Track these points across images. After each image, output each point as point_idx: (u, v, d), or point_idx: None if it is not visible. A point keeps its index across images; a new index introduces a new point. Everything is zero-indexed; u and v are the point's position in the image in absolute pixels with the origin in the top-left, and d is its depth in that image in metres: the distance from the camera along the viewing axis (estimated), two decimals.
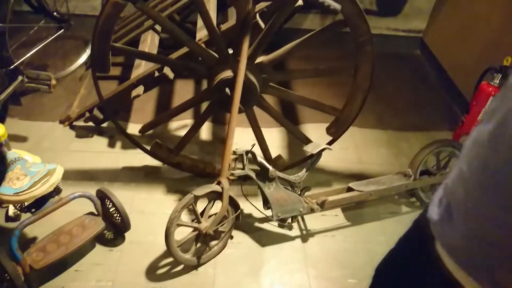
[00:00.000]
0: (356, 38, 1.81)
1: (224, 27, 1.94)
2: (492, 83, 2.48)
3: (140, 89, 2.17)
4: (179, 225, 1.76)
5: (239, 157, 1.86)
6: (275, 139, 2.61)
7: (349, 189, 2.13)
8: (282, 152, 2.54)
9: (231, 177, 1.86)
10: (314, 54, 3.27)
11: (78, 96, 2.63)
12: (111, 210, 1.90)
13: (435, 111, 3.04)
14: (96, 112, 2.36)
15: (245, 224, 2.09)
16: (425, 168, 2.23)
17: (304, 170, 2.00)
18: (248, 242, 2.02)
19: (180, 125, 2.62)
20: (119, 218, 1.89)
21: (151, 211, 2.11)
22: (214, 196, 1.83)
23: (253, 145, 1.84)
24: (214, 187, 1.81)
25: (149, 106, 2.76)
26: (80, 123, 2.52)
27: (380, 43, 3.61)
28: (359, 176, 2.41)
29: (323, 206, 1.99)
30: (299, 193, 2.02)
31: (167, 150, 2.20)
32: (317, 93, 2.97)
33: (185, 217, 2.06)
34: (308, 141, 2.21)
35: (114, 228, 1.96)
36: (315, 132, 2.60)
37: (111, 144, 2.45)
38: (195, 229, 1.81)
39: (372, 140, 2.72)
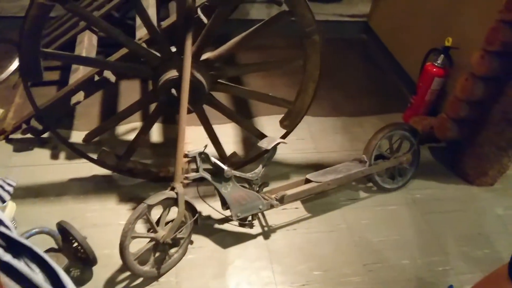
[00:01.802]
0: (303, 28, 1.77)
1: (165, 23, 1.84)
2: (436, 64, 2.54)
3: (80, 95, 2.03)
4: (134, 237, 1.67)
5: (192, 160, 1.79)
6: (230, 135, 2.55)
7: (307, 181, 2.12)
8: (239, 148, 2.49)
9: (185, 181, 1.78)
10: (270, 44, 3.24)
11: (13, 106, 2.42)
12: (74, 244, 1.72)
13: (386, 94, 3.09)
14: (34, 122, 2.19)
15: (205, 227, 2.02)
16: (379, 153, 2.25)
17: (261, 166, 1.96)
18: (210, 245, 1.96)
19: (129, 129, 2.50)
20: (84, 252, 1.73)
21: (104, 222, 1.99)
22: (169, 203, 1.75)
23: (206, 146, 1.77)
24: (168, 193, 1.73)
25: (93, 110, 2.61)
26: (18, 135, 2.33)
27: (327, 29, 3.66)
28: (317, 166, 2.40)
29: (282, 201, 1.96)
30: (257, 189, 1.98)
31: (116, 157, 2.09)
32: (270, 84, 2.94)
33: (141, 226, 1.96)
34: (262, 135, 2.17)
35: (81, 262, 1.76)
36: (271, 124, 2.56)
37: (55, 156, 2.28)
38: (152, 239, 1.73)
39: (328, 128, 2.72)
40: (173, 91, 1.77)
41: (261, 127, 2.62)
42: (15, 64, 2.70)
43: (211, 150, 2.14)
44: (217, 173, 1.83)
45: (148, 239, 1.73)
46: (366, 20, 3.65)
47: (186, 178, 1.79)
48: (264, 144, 1.96)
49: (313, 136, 2.64)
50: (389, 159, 2.26)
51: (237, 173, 1.90)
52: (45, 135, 2.36)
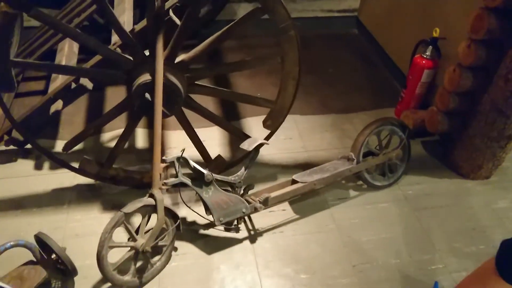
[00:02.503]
0: (277, 25, 1.72)
1: (138, 27, 1.80)
2: (425, 56, 2.47)
3: (59, 104, 2.00)
4: (111, 247, 1.63)
5: (171, 164, 1.75)
6: (216, 138, 2.51)
7: (294, 182, 2.06)
8: (225, 150, 2.44)
9: (164, 187, 1.75)
10: (256, 43, 3.20)
11: None
12: (53, 256, 1.68)
13: (377, 89, 3.03)
14: (15, 133, 2.16)
15: (189, 232, 1.98)
16: (368, 149, 2.19)
17: (243, 168, 1.91)
18: (194, 252, 1.91)
19: (113, 136, 2.47)
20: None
21: (86, 232, 1.96)
22: (148, 210, 1.71)
23: (183, 149, 1.73)
24: (146, 200, 1.69)
25: (78, 118, 2.58)
26: (1, 147, 2.31)
27: (316, 26, 3.61)
28: (305, 165, 2.35)
29: (266, 203, 1.91)
30: (241, 193, 1.94)
31: (98, 165, 2.05)
32: (257, 84, 2.90)
33: (121, 235, 1.92)
34: (246, 137, 2.12)
35: (62, 274, 1.70)
36: (258, 125, 2.49)
37: (38, 166, 2.26)
38: (132, 248, 1.69)
39: (316, 125, 2.67)
40: (147, 95, 1.73)
41: (248, 128, 2.58)
42: None
43: (195, 154, 2.12)
44: (197, 177, 1.79)
45: (128, 248, 1.69)
46: (356, 14, 3.59)
47: (165, 184, 1.75)
48: (245, 145, 1.91)
49: (301, 135, 2.58)
50: (378, 156, 2.19)
51: (219, 177, 1.86)
52: (29, 145, 2.34)
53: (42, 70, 1.87)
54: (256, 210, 1.90)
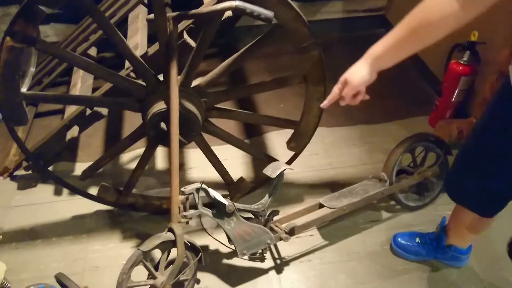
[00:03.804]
0: (298, 44, 1.58)
1: (151, 50, 1.70)
2: (462, 61, 2.28)
3: (74, 130, 1.93)
4: (130, 287, 1.55)
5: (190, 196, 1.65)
6: (239, 156, 2.38)
7: (321, 205, 1.93)
8: (248, 170, 2.33)
9: (183, 220, 1.65)
10: (277, 50, 3.04)
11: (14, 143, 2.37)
12: None
13: (408, 95, 2.84)
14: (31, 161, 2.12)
15: (212, 263, 1.88)
16: (401, 168, 2.03)
17: (267, 196, 1.80)
18: (218, 284, 1.82)
19: (132, 157, 2.40)
20: None
21: (106, 264, 1.89)
22: (167, 246, 1.62)
23: (202, 182, 1.62)
24: (165, 236, 1.59)
25: (96, 140, 2.52)
26: (22, 172, 2.28)
27: (341, 28, 3.43)
28: (333, 184, 2.22)
29: (292, 233, 1.79)
30: (266, 220, 1.82)
31: (116, 192, 1.98)
32: (279, 94, 2.75)
33: (141, 271, 1.84)
34: (269, 159, 2.00)
35: None
36: (282, 140, 2.37)
37: (58, 192, 2.21)
38: (152, 286, 1.61)
39: (343, 139, 2.52)
40: (162, 125, 1.63)
41: (271, 144, 2.46)
42: None
43: (215, 175, 2.02)
44: (218, 208, 1.68)
45: (147, 287, 1.61)
46: (383, 13, 3.39)
47: (184, 217, 1.65)
48: (269, 171, 1.79)
49: (327, 150, 2.44)
50: (412, 175, 2.03)
51: (241, 206, 1.75)
52: (50, 168, 2.30)
53: (54, 102, 1.78)
54: (281, 240, 1.78)
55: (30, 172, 2.23)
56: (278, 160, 2.08)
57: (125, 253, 1.92)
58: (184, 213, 1.65)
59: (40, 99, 1.65)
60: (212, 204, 1.67)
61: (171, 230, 1.61)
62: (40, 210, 2.12)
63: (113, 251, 1.94)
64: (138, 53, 1.73)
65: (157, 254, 1.69)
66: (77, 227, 2.05)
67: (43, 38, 1.81)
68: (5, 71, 1.47)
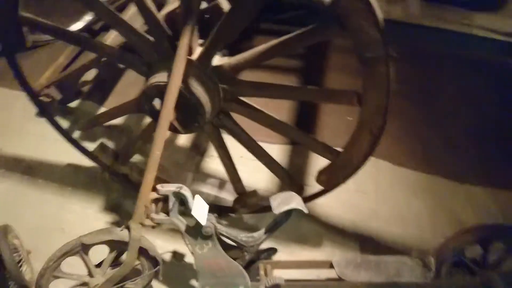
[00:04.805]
0: (362, 52, 1.09)
1: (169, 8, 1.33)
2: None
3: (90, 73, 1.68)
4: (56, 277, 1.29)
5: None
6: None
7: (332, 266, 1.46)
8: (273, 181, 1.90)
9: (147, 224, 1.32)
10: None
11: (53, 66, 2.21)
12: None
13: None
14: (52, 90, 1.94)
15: (179, 275, 1.55)
16: (461, 259, 1.45)
17: (263, 231, 1.38)
18: None
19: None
20: None
21: (73, 230, 1.62)
22: (119, 246, 1.31)
23: (181, 186, 1.26)
24: (118, 234, 1.29)
25: (133, 91, 2.27)
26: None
27: (465, 45, 2.69)
28: (365, 241, 1.71)
29: None
30: (254, 257, 1.42)
31: (113, 156, 1.72)
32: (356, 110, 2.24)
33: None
34: (290, 183, 1.56)
35: None
36: (324, 161, 1.91)
37: (70, 131, 2.02)
38: (83, 284, 1.33)
39: (405, 185, 1.94)
40: (155, 102, 1.28)
41: (307, 161, 1.98)
42: (78, 24, 2.47)
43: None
44: (195, 225, 1.31)
45: (77, 283, 1.33)
46: None
47: (151, 219, 1.32)
48: (275, 202, 1.36)
49: (379, 192, 1.89)
50: (474, 275, 1.44)
51: (225, 231, 1.36)
52: (75, 103, 2.14)
53: (54, 34, 1.49)
54: None
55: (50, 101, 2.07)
56: (302, 188, 1.63)
57: (97, 226, 1.66)
58: (153, 216, 1.32)
59: (39, 25, 1.38)
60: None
61: (128, 229, 1.30)
62: (43, 144, 1.96)
63: (87, 219, 1.71)
64: (166, 9, 1.37)
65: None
66: (67, 176, 1.86)
67: None
68: None
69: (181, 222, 1.32)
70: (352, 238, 1.72)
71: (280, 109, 2.16)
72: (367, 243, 1.69)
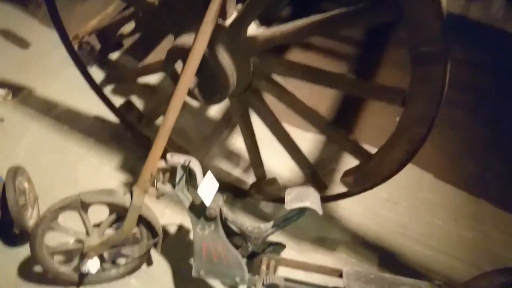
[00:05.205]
0: (416, 45, 0.91)
1: None
2: None
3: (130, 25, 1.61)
4: (52, 228, 1.25)
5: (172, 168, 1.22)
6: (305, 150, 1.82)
7: (341, 276, 1.32)
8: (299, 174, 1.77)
9: (151, 193, 1.24)
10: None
11: (101, 15, 2.18)
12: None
13: None
14: (92, 38, 1.90)
15: (180, 251, 1.48)
16: None
17: (271, 224, 1.26)
18: (167, 280, 1.42)
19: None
20: None
21: (86, 184, 1.64)
22: (119, 209, 1.25)
23: (189, 160, 1.17)
24: (119, 198, 1.23)
25: None
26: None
27: None
28: (387, 255, 1.54)
29: None
30: (256, 251, 1.32)
31: (138, 116, 1.66)
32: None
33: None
34: (312, 178, 1.43)
35: None
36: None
37: (103, 83, 1.99)
38: (77, 241, 1.29)
39: (445, 204, 1.72)
40: (177, 66, 1.17)
41: (339, 155, 1.82)
42: None
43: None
44: (200, 204, 1.22)
45: (73, 238, 1.29)
46: None
47: (156, 188, 1.24)
48: (289, 196, 1.23)
49: (412, 206, 1.70)
50: None
51: (230, 217, 1.26)
52: (116, 54, 2.11)
53: None
54: None
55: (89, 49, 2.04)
56: (325, 187, 1.49)
57: (111, 185, 1.63)
58: (158, 185, 1.24)
59: None
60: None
61: (131, 194, 1.23)
62: (76, 92, 1.93)
63: (101, 175, 1.68)
64: None
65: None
66: (92, 129, 1.83)
67: None
68: None
69: (186, 198, 1.23)
70: (372, 250, 1.56)
71: (324, 98, 2.00)
72: (387, 259, 1.53)
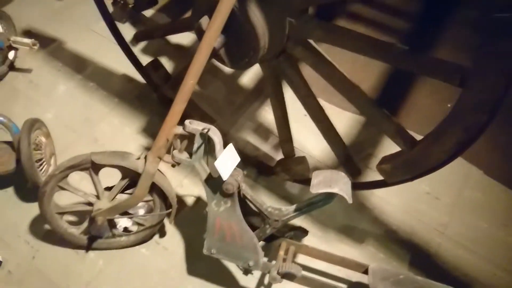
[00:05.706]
0: (488, 9, 0.73)
1: None
2: None
3: None
4: (61, 188, 1.19)
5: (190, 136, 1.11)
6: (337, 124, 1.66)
7: (367, 272, 1.19)
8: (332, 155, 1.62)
9: (166, 160, 1.14)
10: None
11: None
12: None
13: None
14: None
15: (195, 224, 1.39)
16: None
17: (294, 208, 1.14)
18: (177, 252, 1.34)
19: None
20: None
21: (106, 144, 1.58)
22: (131, 174, 1.17)
23: (208, 129, 1.05)
24: (133, 163, 1.15)
25: None
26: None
27: None
28: (420, 254, 1.39)
29: (288, 278, 1.14)
30: (275, 234, 1.20)
31: (165, 76, 1.56)
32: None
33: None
34: (347, 164, 1.28)
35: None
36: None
37: (134, 40, 1.89)
38: (87, 203, 1.22)
39: (495, 205, 1.52)
40: (203, 20, 1.04)
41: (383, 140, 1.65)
42: None
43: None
44: (218, 177, 1.11)
45: (82, 200, 1.23)
46: None
47: (172, 155, 1.14)
48: (316, 179, 1.10)
49: (456, 203, 1.52)
50: None
51: (250, 195, 1.15)
52: (150, 12, 2.00)
53: None
54: (270, 278, 1.15)
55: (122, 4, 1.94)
56: (359, 173, 1.34)
57: (130, 148, 1.55)
58: (174, 153, 1.14)
59: None
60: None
61: (145, 159, 1.14)
62: (104, 48, 1.86)
63: (121, 136, 1.60)
64: None
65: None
66: (117, 87, 1.75)
67: None
68: None
69: (203, 169, 1.12)
70: (404, 247, 1.40)
71: (367, 76, 1.82)
72: (421, 259, 1.37)
